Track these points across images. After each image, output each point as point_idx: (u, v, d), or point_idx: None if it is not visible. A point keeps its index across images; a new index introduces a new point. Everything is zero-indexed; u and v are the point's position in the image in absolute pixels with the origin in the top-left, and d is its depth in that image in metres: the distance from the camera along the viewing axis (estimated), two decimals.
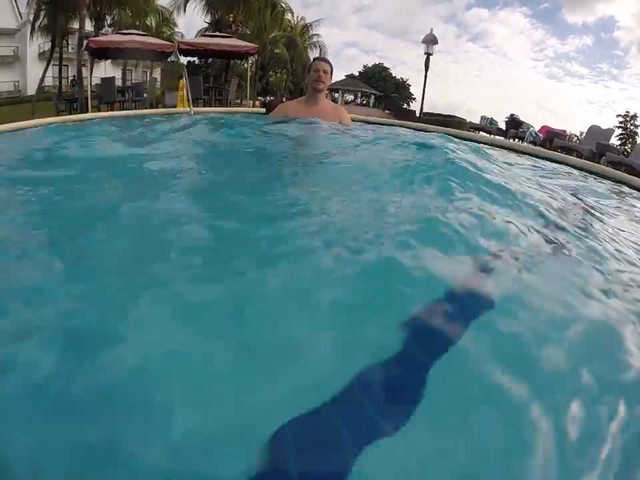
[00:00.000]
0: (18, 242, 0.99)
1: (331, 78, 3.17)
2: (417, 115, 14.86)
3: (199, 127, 2.97)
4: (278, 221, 1.11)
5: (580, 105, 73.37)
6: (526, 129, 12.59)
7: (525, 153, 4.00)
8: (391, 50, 76.95)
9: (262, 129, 2.83)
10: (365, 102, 36.03)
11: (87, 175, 1.67)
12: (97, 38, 13.69)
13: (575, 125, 61.59)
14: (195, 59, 27.34)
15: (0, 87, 29.74)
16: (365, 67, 50.49)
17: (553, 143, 11.34)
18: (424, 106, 13.78)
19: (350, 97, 37.88)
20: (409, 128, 4.92)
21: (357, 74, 42.78)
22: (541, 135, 12.39)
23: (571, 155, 10.66)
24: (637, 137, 37.89)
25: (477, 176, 1.44)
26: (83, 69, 17.47)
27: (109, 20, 21.46)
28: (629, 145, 33.33)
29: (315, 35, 30.21)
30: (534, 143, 11.97)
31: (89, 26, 19.88)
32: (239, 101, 24.14)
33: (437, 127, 5.80)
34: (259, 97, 32.71)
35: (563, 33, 73.41)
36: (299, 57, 28.26)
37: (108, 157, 1.94)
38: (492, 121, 15.13)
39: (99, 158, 1.94)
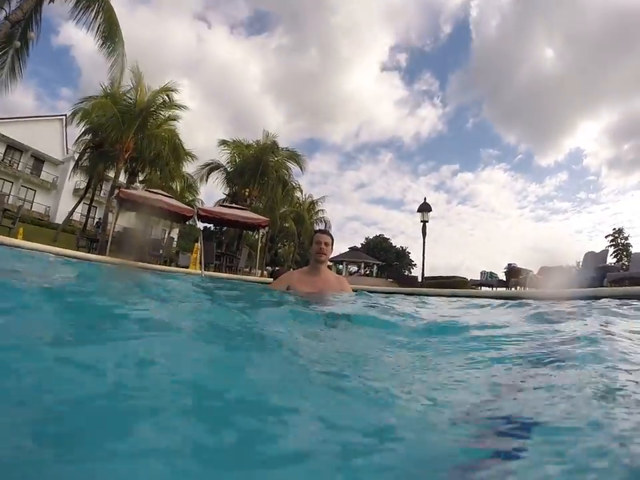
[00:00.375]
0: None
1: (332, 249, 3.35)
2: (420, 279, 15.27)
3: (206, 288, 3.01)
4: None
5: (571, 237, 77.63)
6: (525, 275, 12.72)
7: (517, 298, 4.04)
8: (390, 221, 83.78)
9: (263, 300, 2.87)
10: (368, 272, 37.39)
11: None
12: (127, 190, 14.82)
13: (571, 257, 62.60)
14: (211, 225, 29.45)
15: (34, 207, 32.26)
16: (366, 238, 53.68)
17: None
18: (425, 270, 14.22)
19: (354, 268, 39.44)
20: (412, 295, 5.04)
21: (359, 246, 45.32)
22: (540, 276, 12.44)
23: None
24: (630, 247, 38.46)
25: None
26: (110, 215, 18.51)
27: (141, 177, 23.32)
28: (625, 259, 33.87)
29: (321, 210, 32.69)
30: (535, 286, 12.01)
31: (123, 178, 21.70)
32: (248, 269, 25.16)
33: (441, 289, 5.95)
34: (267, 267, 34.25)
35: (540, 177, 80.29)
36: (305, 231, 30.22)
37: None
38: (492, 275, 15.55)
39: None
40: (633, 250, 37.26)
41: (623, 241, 40.51)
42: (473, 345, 1.50)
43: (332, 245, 3.30)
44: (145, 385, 0.86)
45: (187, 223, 20.79)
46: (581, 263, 12.72)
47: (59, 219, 28.76)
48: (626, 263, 26.86)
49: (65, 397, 0.74)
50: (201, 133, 76.51)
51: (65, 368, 0.88)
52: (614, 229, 41.70)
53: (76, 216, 29.24)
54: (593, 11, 57.82)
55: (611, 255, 37.30)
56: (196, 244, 12.26)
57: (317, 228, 32.29)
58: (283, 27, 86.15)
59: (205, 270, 13.23)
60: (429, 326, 1.99)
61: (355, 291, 3.58)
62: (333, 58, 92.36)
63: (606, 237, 41.97)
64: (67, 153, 34.12)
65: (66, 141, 34.71)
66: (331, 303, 2.88)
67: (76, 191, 32.51)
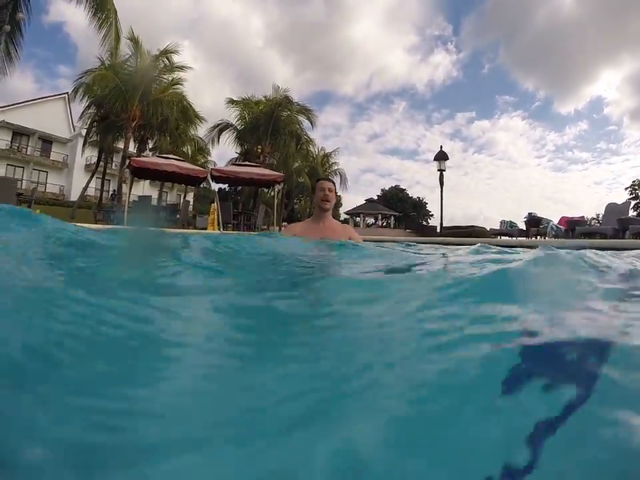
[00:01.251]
0: None
1: (336, 196, 3.27)
2: (438, 230, 15.17)
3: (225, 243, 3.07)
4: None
5: (589, 189, 76.07)
6: (546, 224, 12.75)
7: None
8: (405, 171, 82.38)
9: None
10: (385, 223, 37.25)
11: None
12: (138, 158, 14.80)
13: (590, 209, 61.85)
14: (226, 186, 29.33)
15: (48, 188, 32.93)
16: (382, 190, 53.15)
17: (574, 231, 11.30)
18: (444, 220, 14.11)
19: (371, 220, 39.31)
20: (432, 243, 4.96)
21: (375, 197, 44.90)
22: (561, 226, 12.40)
23: (593, 238, 10.61)
24: None
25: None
26: (123, 185, 18.71)
27: (150, 144, 23.36)
28: None
29: (335, 162, 32.31)
30: (556, 235, 11.97)
31: (132, 147, 21.82)
32: (265, 227, 25.30)
33: (461, 238, 5.88)
34: (283, 223, 34.32)
35: (559, 126, 78.42)
36: None
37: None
38: (512, 224, 15.35)
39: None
40: None
41: None
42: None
43: (335, 192, 3.24)
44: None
45: (202, 185, 20.87)
46: (601, 215, 12.46)
47: (74, 196, 29.09)
48: None
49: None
50: (207, 94, 75.20)
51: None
52: (634, 181, 40.51)
53: (91, 191, 29.54)
54: None
55: (632, 207, 36.37)
56: (212, 205, 12.31)
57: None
58: None
59: (222, 230, 13.44)
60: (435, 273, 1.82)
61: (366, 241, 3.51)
62: (340, 6, 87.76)
63: (626, 189, 41.14)
64: (74, 130, 34.12)
65: (71, 118, 34.62)
66: (331, 249, 2.77)
67: (88, 166, 32.49)
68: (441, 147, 14.04)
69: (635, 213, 33.81)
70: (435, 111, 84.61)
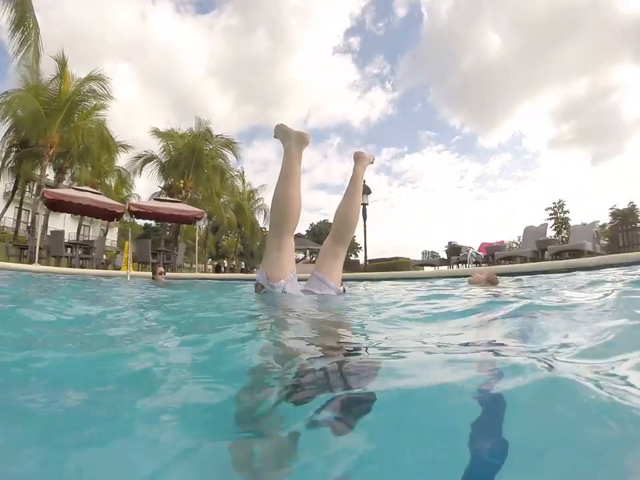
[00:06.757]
0: None
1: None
2: (362, 263, 15.36)
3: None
4: None
5: (509, 213, 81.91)
6: (466, 252, 13.01)
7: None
8: (333, 206, 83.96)
9: None
10: (314, 258, 37.49)
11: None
12: (51, 189, 13.78)
13: (511, 233, 67.54)
14: (153, 221, 28.03)
15: None
16: (311, 224, 54.03)
17: (494, 256, 11.74)
18: (373, 252, 14.30)
19: (300, 255, 39.50)
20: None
21: (304, 232, 45.36)
22: (481, 253, 12.79)
23: (514, 262, 11.20)
24: (569, 221, 39.80)
25: None
26: (38, 217, 16.82)
27: (69, 173, 21.75)
28: (565, 231, 35.39)
29: (260, 198, 32.13)
30: (476, 262, 12.39)
31: (51, 175, 20.17)
32: (189, 265, 24.25)
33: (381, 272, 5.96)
34: (210, 259, 33.16)
35: (483, 158, 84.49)
36: (246, 221, 29.51)
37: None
38: (433, 254, 15.94)
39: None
40: (572, 223, 38.79)
41: (562, 215, 41.82)
42: None
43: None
44: None
45: (127, 219, 19.67)
46: (521, 238, 13.28)
47: None
48: (565, 235, 27.84)
49: None
50: (142, 122, 72.48)
51: None
52: (554, 202, 42.82)
53: (8, 222, 27.07)
54: None
55: (551, 227, 38.87)
56: (126, 242, 11.57)
57: (258, 217, 31.76)
58: (232, 5, 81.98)
59: (139, 269, 12.61)
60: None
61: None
62: (283, 41, 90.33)
63: (546, 209, 43.18)
64: None
65: None
66: None
67: (6, 194, 29.50)
68: (364, 181, 14.24)
69: (554, 234, 36.42)
70: (361, 146, 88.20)
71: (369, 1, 77.61)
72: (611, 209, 39.04)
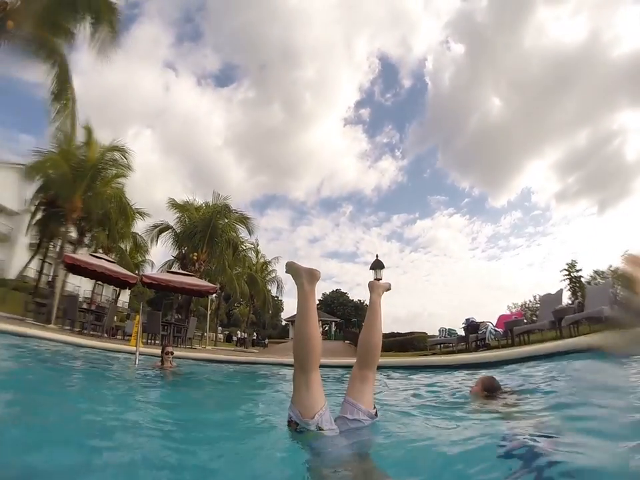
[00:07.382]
0: None
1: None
2: None
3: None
4: None
5: (523, 271, 77.93)
6: (484, 329, 12.59)
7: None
8: (345, 274, 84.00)
9: None
10: (326, 329, 36.92)
11: None
12: (71, 255, 14.34)
13: (526, 291, 64.41)
14: None
15: None
16: (323, 294, 53.46)
17: (513, 332, 11.31)
18: (387, 320, 13.88)
19: None
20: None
21: (317, 302, 45.00)
22: (500, 329, 12.28)
23: (533, 334, 10.73)
24: (582, 279, 38.47)
25: None
26: (61, 273, 16.79)
27: (88, 235, 22.22)
28: (580, 293, 33.54)
29: (273, 270, 32.32)
30: (496, 339, 11.93)
31: (75, 233, 20.65)
32: (200, 334, 23.97)
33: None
34: (220, 328, 32.76)
35: (494, 218, 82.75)
36: (258, 293, 29.58)
37: None
38: (450, 331, 15.38)
39: None
40: (584, 280, 37.70)
41: (575, 274, 40.16)
42: None
43: None
44: None
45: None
46: (538, 308, 12.74)
47: (12, 273, 27.24)
48: (581, 299, 27.23)
49: None
50: (161, 187, 75.30)
51: None
52: (567, 263, 41.38)
53: (31, 272, 27.33)
54: (534, 57, 62.65)
55: (567, 288, 37.90)
56: (137, 316, 11.57)
57: (271, 288, 31.76)
58: (250, 80, 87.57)
59: (149, 341, 12.48)
60: None
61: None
62: (297, 113, 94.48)
63: (561, 270, 41.54)
64: (25, 205, 31.73)
65: (23, 191, 31.86)
66: None
67: (32, 245, 30.05)
68: (377, 255, 13.89)
69: (570, 296, 34.78)
70: (372, 214, 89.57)
71: (377, 73, 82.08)
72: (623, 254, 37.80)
